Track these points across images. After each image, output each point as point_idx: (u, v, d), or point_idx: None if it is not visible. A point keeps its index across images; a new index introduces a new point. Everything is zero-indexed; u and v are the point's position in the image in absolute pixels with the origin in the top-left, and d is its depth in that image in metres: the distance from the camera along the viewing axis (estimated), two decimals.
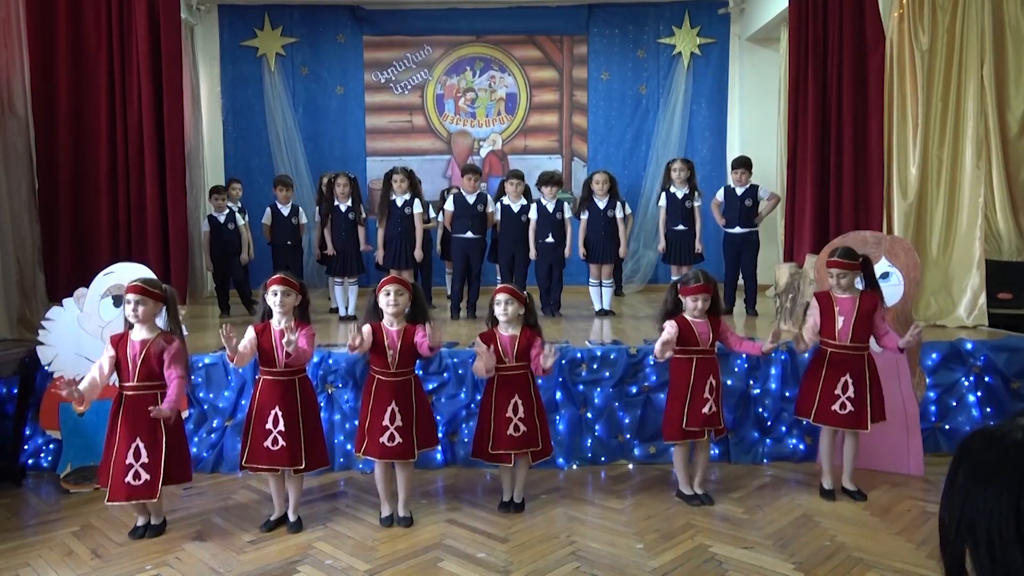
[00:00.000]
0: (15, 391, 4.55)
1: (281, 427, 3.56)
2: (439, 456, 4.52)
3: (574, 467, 4.54)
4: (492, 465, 3.93)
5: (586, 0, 8.80)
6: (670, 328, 3.83)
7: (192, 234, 6.79)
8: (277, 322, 3.64)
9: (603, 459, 4.59)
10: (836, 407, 3.90)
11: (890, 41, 5.72)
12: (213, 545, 3.51)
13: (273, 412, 3.57)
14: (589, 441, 4.58)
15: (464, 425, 4.54)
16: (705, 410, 3.81)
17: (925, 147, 5.62)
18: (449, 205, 6.45)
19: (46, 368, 4.40)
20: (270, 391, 3.61)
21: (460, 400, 4.54)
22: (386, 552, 3.41)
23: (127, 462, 3.44)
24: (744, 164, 6.53)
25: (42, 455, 4.54)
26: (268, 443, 3.56)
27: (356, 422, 4.46)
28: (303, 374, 3.70)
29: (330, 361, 4.49)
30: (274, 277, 3.66)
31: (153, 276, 3.89)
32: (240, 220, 6.90)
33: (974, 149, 5.51)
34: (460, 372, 4.54)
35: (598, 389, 4.59)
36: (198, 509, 3.93)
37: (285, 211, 6.83)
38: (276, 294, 3.61)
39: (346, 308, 6.46)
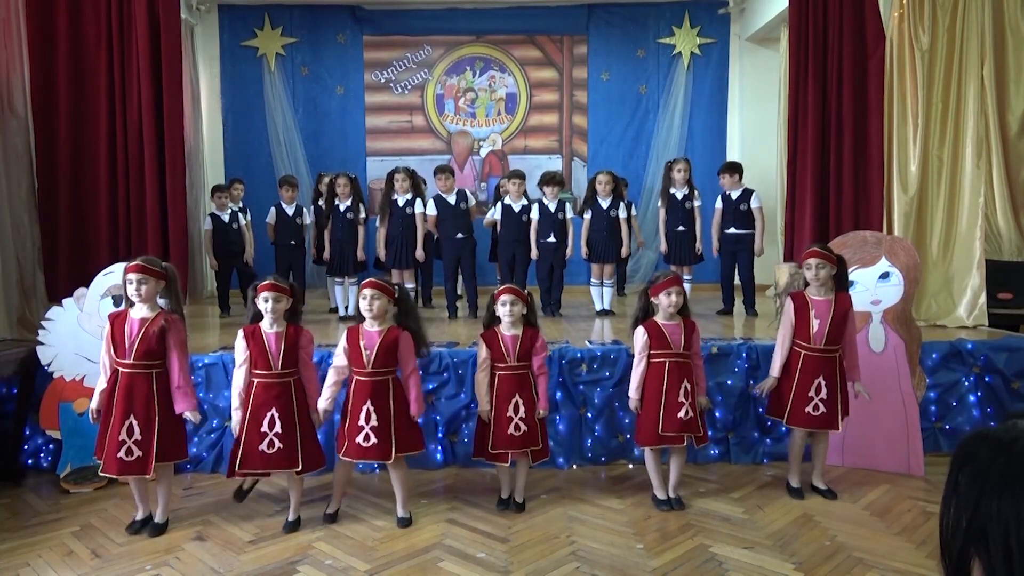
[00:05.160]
0: (15, 391, 4.55)
1: (277, 429, 3.57)
2: (439, 456, 4.52)
3: (574, 467, 4.54)
4: (491, 465, 3.94)
5: (586, 0, 8.80)
6: (639, 338, 3.83)
7: (192, 234, 6.79)
8: (268, 325, 3.65)
9: (603, 459, 4.59)
10: (809, 409, 3.89)
11: (890, 41, 5.72)
12: (213, 545, 3.51)
13: (269, 414, 3.58)
14: (589, 441, 4.58)
15: (464, 425, 4.54)
16: (681, 414, 3.74)
17: (925, 147, 5.62)
18: (431, 209, 6.43)
19: (46, 368, 4.40)
20: (264, 393, 3.60)
21: (460, 400, 4.54)
22: (386, 552, 3.41)
23: (120, 438, 3.49)
24: (734, 168, 6.52)
25: (42, 455, 4.54)
26: (264, 446, 3.57)
27: None
28: (297, 376, 3.69)
29: (330, 361, 4.48)
30: (264, 283, 3.65)
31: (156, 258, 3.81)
32: (243, 219, 6.91)
33: (974, 149, 5.51)
34: (460, 372, 4.54)
35: (598, 389, 4.59)
36: (198, 509, 3.93)
37: (290, 211, 6.84)
38: (267, 300, 3.61)
39: (346, 308, 6.46)
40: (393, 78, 8.94)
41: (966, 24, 5.55)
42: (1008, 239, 5.67)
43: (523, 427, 3.75)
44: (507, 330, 3.83)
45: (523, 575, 3.18)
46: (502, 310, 3.81)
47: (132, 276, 3.54)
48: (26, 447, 4.54)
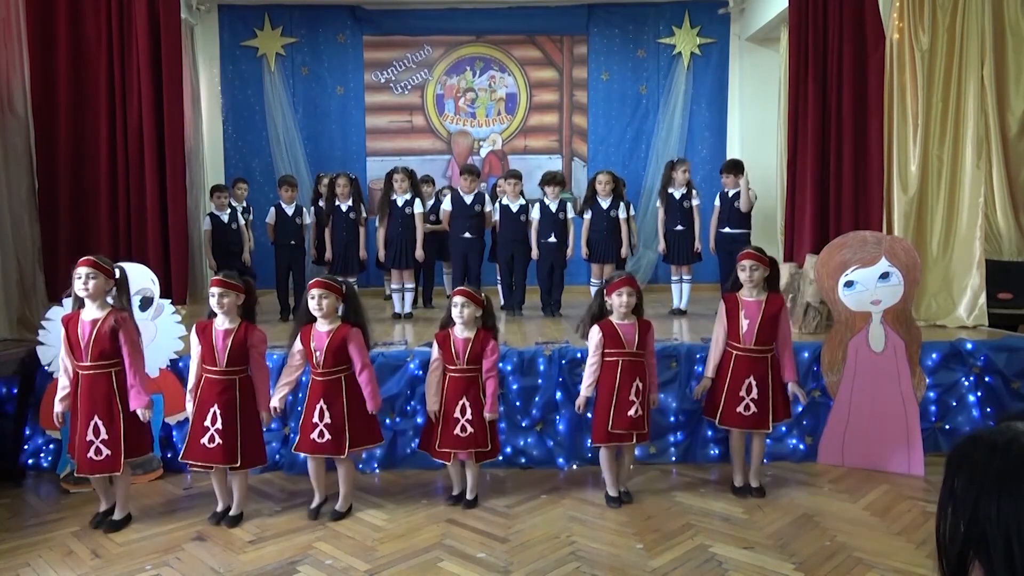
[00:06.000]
0: (15, 391, 4.54)
1: (219, 425, 3.61)
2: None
3: (574, 467, 4.54)
4: (440, 463, 4.04)
5: (586, 0, 8.80)
6: (593, 337, 3.89)
7: (192, 234, 6.79)
8: (220, 322, 3.68)
9: None
10: (740, 408, 3.95)
11: (890, 41, 5.72)
12: (213, 545, 3.51)
13: (212, 410, 3.62)
14: (589, 441, 4.57)
15: None
16: (631, 413, 3.80)
17: (925, 147, 5.62)
18: (447, 205, 6.48)
19: (46, 368, 4.40)
20: (210, 388, 3.65)
21: None
22: (386, 552, 3.41)
23: (88, 439, 3.55)
24: (729, 168, 6.52)
25: (42, 455, 4.54)
26: (205, 440, 3.62)
27: None
28: (244, 373, 3.72)
29: None
30: (214, 278, 3.71)
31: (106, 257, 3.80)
32: (242, 219, 6.91)
33: (974, 149, 5.51)
34: None
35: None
36: (198, 509, 3.93)
37: (289, 211, 6.84)
38: (214, 295, 3.65)
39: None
40: (393, 78, 8.93)
41: (966, 24, 5.55)
42: (1008, 239, 5.67)
43: (470, 428, 3.81)
44: (459, 332, 3.88)
45: (523, 575, 3.18)
46: (453, 311, 3.87)
47: (81, 270, 3.55)
48: (26, 447, 4.54)
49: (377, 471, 4.48)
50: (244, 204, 7.19)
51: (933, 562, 0.96)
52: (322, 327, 3.75)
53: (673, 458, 4.58)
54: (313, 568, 3.26)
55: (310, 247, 7.00)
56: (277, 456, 4.49)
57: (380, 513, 3.87)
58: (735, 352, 3.99)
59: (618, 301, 3.84)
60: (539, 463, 4.53)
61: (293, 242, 6.85)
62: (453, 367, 3.85)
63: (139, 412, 3.63)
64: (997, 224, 5.68)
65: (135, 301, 4.47)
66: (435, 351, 3.91)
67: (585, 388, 3.93)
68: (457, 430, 3.81)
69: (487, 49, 8.99)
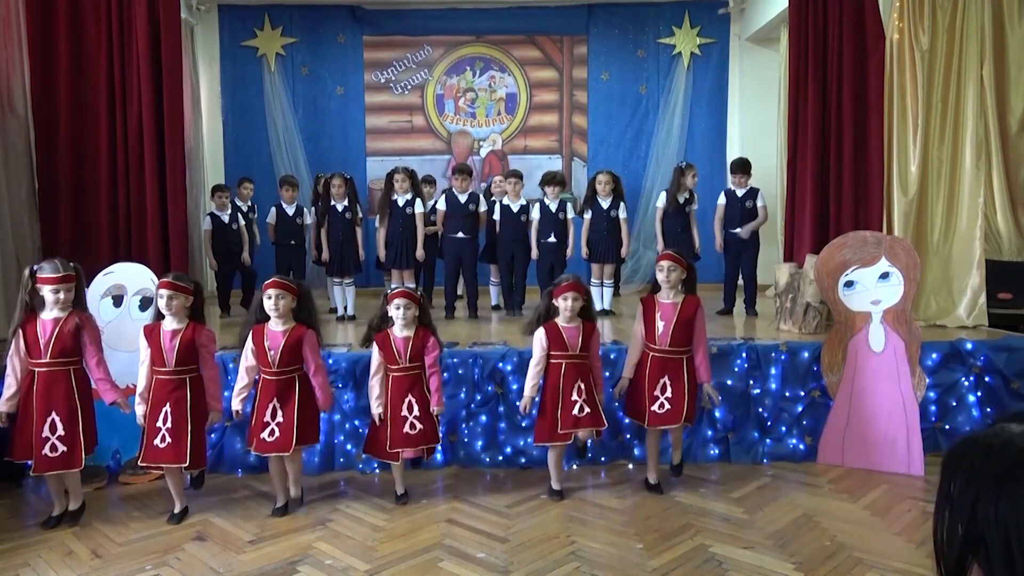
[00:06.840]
0: None
1: (169, 424, 3.64)
2: (439, 456, 4.52)
3: (574, 467, 4.54)
4: (387, 465, 4.09)
5: (586, 0, 8.80)
6: (538, 340, 3.93)
7: (192, 234, 6.79)
8: (167, 324, 3.71)
9: (603, 459, 4.59)
10: (655, 407, 4.00)
11: (890, 41, 5.72)
12: (213, 545, 3.51)
13: (163, 410, 3.65)
14: (589, 441, 4.57)
15: (464, 425, 4.55)
16: (575, 412, 3.86)
17: (925, 147, 5.62)
18: (441, 204, 6.48)
19: None
20: (160, 390, 3.68)
21: (460, 400, 4.54)
22: (386, 552, 3.41)
23: (43, 435, 3.57)
24: (743, 168, 6.52)
25: None
26: (157, 440, 3.65)
27: (356, 422, 4.49)
28: (195, 374, 3.75)
29: (330, 361, 4.49)
30: (162, 280, 3.73)
31: (62, 259, 3.79)
32: (242, 219, 6.91)
33: (974, 149, 5.51)
34: (460, 372, 4.54)
35: None
36: (198, 509, 3.93)
37: (290, 211, 6.84)
38: (163, 297, 3.67)
39: (344, 308, 6.45)
40: (393, 78, 8.93)
41: (966, 24, 5.55)
42: (1008, 239, 5.67)
43: (419, 425, 3.86)
44: (399, 332, 3.92)
45: (523, 575, 3.18)
46: (395, 313, 3.90)
47: (59, 287, 3.60)
48: None
49: (377, 471, 4.48)
50: (249, 203, 7.20)
51: (933, 562, 0.96)
52: (276, 327, 3.79)
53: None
54: (313, 568, 3.26)
55: (311, 247, 7.00)
56: None
57: (380, 513, 3.87)
58: (651, 353, 4.03)
59: (563, 305, 3.90)
60: (539, 463, 4.52)
61: (294, 242, 6.86)
62: (395, 367, 3.90)
63: (119, 401, 3.70)
64: (997, 224, 5.68)
65: (135, 301, 4.49)
66: (376, 355, 3.93)
67: (529, 388, 3.97)
68: (406, 428, 3.85)
69: (487, 49, 8.99)
